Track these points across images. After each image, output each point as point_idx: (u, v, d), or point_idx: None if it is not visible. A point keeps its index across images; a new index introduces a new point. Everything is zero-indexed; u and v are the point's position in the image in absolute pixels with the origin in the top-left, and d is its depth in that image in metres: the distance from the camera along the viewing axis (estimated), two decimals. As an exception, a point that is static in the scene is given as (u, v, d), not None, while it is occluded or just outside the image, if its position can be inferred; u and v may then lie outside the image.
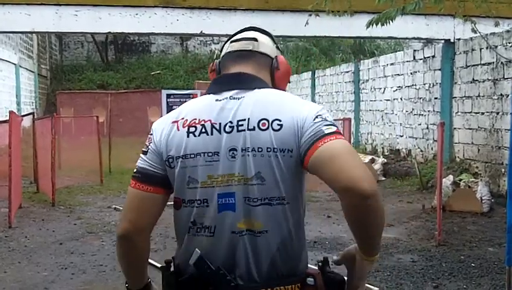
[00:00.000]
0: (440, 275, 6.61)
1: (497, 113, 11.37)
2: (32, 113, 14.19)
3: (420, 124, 14.85)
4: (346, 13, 8.54)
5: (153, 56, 36.71)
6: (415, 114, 15.10)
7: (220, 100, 2.19)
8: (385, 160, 14.85)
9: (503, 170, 10.99)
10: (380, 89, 17.24)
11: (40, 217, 9.84)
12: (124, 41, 36.62)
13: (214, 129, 2.14)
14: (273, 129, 2.10)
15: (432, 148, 14.15)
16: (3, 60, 20.73)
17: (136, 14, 11.98)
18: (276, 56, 2.36)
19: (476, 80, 12.18)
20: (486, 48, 11.70)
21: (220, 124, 2.14)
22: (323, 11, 8.67)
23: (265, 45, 2.35)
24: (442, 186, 8.56)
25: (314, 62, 30.07)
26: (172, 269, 2.28)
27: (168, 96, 11.13)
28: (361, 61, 19.81)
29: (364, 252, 2.20)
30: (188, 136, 2.14)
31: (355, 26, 11.40)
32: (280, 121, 2.10)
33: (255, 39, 2.34)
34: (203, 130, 2.14)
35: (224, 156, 2.11)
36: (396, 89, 16.11)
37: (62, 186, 12.53)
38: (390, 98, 16.57)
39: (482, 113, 11.92)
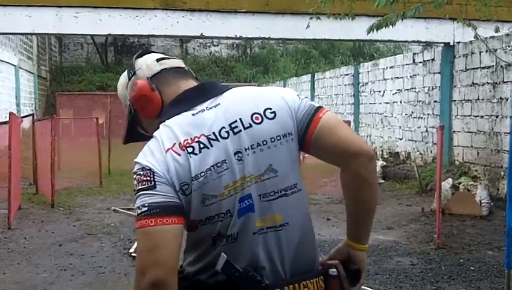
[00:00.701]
0: (439, 278, 6.61)
1: (497, 116, 11.38)
2: (32, 115, 14.19)
3: (419, 127, 14.86)
4: (348, 16, 8.54)
5: (152, 58, 36.70)
6: (414, 117, 15.11)
7: (197, 113, 2.14)
8: (384, 163, 14.86)
9: (502, 173, 11.00)
10: (380, 92, 17.24)
11: (40, 219, 9.84)
12: (124, 43, 36.66)
13: (211, 141, 2.08)
14: (268, 118, 2.11)
15: (431, 152, 14.16)
16: (3, 61, 20.73)
17: (136, 16, 11.99)
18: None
19: (476, 84, 12.19)
20: (486, 51, 11.71)
21: (213, 133, 2.09)
22: (324, 14, 8.68)
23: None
24: (442, 190, 8.57)
25: (314, 65, 30.12)
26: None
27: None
28: (361, 64, 19.83)
29: (358, 238, 2.29)
30: (190, 157, 2.05)
31: (355, 29, 11.42)
32: (271, 108, 2.13)
33: (178, 57, 2.44)
34: (201, 145, 2.07)
35: (232, 162, 2.08)
36: (396, 92, 16.12)
37: (61, 188, 12.53)
38: (389, 101, 16.57)
39: (482, 117, 11.93)
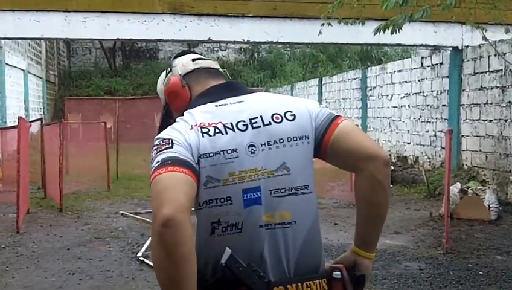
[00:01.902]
0: (447, 283, 6.59)
1: (505, 120, 11.35)
2: (41, 119, 14.23)
3: (428, 132, 14.83)
4: (358, 21, 8.52)
5: (160, 62, 36.78)
6: (422, 121, 15.08)
7: (220, 105, 2.25)
8: (392, 167, 14.82)
9: (511, 177, 10.97)
10: (388, 96, 17.22)
11: (48, 223, 9.86)
12: (132, 48, 36.75)
13: (227, 129, 2.17)
14: (288, 119, 2.22)
15: (439, 156, 14.13)
16: (12, 66, 20.79)
17: (145, 21, 12.01)
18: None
19: (484, 87, 12.16)
20: (495, 55, 11.68)
21: (231, 123, 2.18)
22: (334, 19, 8.67)
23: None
24: (450, 194, 8.54)
25: (322, 69, 30.11)
26: None
27: (176, 102, 11.10)
28: (369, 68, 19.81)
29: (366, 245, 2.32)
30: (203, 136, 2.14)
31: (362, 33, 11.39)
32: (292, 112, 2.24)
33: (214, 59, 2.57)
34: (217, 130, 2.16)
35: (244, 153, 2.15)
36: (404, 96, 16.10)
37: (70, 192, 12.56)
38: (397, 105, 16.56)
39: (490, 121, 11.90)
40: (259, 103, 2.25)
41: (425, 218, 10.11)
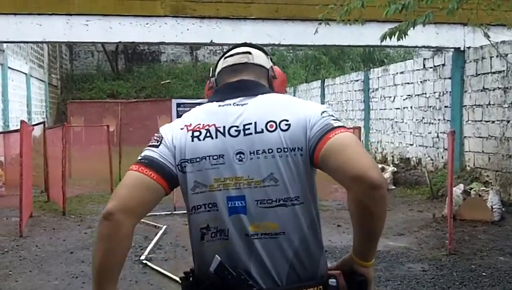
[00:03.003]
0: (451, 284, 6.58)
1: (508, 121, 11.34)
2: (43, 123, 14.26)
3: (430, 133, 14.82)
4: (358, 22, 8.53)
5: (162, 65, 36.81)
6: (425, 123, 15.07)
7: (222, 106, 2.23)
8: (395, 169, 14.83)
9: (514, 178, 10.95)
10: (390, 97, 17.21)
11: (51, 226, 9.87)
12: (134, 51, 36.75)
13: (218, 133, 2.16)
14: (282, 129, 2.14)
15: (442, 157, 14.11)
16: (14, 69, 20.82)
17: (147, 24, 12.03)
18: (271, 66, 2.41)
19: (486, 89, 12.15)
20: (497, 56, 11.67)
21: (224, 127, 2.17)
22: (333, 20, 8.68)
23: (259, 57, 2.40)
24: (453, 195, 8.54)
25: (324, 71, 30.09)
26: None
27: (178, 105, 11.15)
28: (371, 69, 19.80)
29: (362, 256, 2.22)
30: (192, 140, 2.16)
31: (365, 35, 11.42)
32: (287, 121, 2.15)
33: (249, 52, 2.38)
34: (208, 134, 2.16)
35: (231, 159, 2.13)
36: (406, 98, 16.09)
37: (73, 195, 12.58)
38: (400, 107, 16.55)
39: (493, 122, 11.89)
40: (259, 108, 2.20)
41: (429, 219, 10.10)
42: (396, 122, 16.83)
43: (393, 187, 14.06)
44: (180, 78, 34.59)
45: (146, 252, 7.89)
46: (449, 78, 13.71)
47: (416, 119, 15.53)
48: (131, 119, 23.81)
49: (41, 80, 27.43)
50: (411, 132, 15.92)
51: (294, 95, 26.80)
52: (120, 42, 14.26)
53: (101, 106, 24.35)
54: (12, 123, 18.82)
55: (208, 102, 2.30)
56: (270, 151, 2.12)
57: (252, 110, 2.19)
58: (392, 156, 17.03)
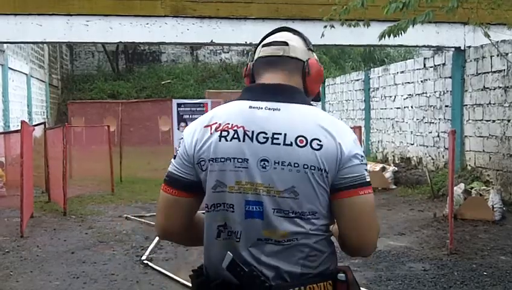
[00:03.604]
0: (452, 283, 6.58)
1: (508, 120, 11.34)
2: (44, 123, 14.26)
3: (431, 132, 14.82)
4: (363, 23, 8.52)
5: (163, 65, 36.78)
6: (425, 122, 15.06)
7: (254, 108, 2.19)
8: (396, 168, 14.82)
9: (514, 177, 10.95)
10: (391, 97, 17.21)
11: (52, 227, 9.87)
12: (135, 51, 36.72)
13: (246, 136, 2.14)
14: (312, 148, 2.11)
15: (443, 156, 14.11)
16: (15, 70, 20.82)
17: (147, 24, 12.03)
18: (307, 60, 2.32)
19: (487, 88, 12.15)
20: (497, 55, 11.67)
21: (252, 132, 2.14)
22: (337, 22, 8.66)
23: (297, 48, 2.31)
24: (454, 195, 8.54)
25: (324, 70, 30.03)
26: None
27: (179, 105, 11.15)
28: (372, 69, 19.80)
29: None
30: (219, 140, 2.15)
31: (365, 35, 11.40)
32: (320, 141, 2.12)
33: (286, 43, 2.31)
34: (235, 135, 2.15)
35: (254, 165, 2.12)
36: (407, 97, 16.08)
37: (73, 196, 12.58)
38: (400, 106, 16.54)
39: (493, 121, 11.89)
40: (291, 119, 2.16)
41: (429, 219, 10.10)
42: (397, 121, 16.82)
43: (394, 187, 14.06)
44: (181, 78, 34.56)
45: (147, 253, 7.89)
46: (449, 77, 13.71)
47: (417, 119, 15.53)
48: (132, 120, 23.85)
49: (42, 81, 27.41)
50: (412, 132, 15.92)
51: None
52: (120, 42, 14.28)
53: (101, 106, 24.39)
54: (12, 124, 18.81)
55: (239, 98, 2.28)
56: (296, 165, 2.10)
57: (283, 119, 2.16)
58: (393, 156, 17.02)
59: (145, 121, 24.93)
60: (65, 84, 34.35)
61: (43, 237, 9.13)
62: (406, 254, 7.87)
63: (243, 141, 2.14)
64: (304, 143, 2.11)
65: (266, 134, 2.13)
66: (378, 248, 2.26)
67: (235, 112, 2.21)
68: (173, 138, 11.58)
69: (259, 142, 2.13)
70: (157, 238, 8.71)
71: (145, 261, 7.49)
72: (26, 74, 22.96)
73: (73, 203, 11.90)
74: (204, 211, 2.26)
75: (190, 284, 6.74)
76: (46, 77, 28.47)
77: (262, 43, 2.38)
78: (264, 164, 2.11)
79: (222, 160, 2.14)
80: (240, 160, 2.13)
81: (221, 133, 2.16)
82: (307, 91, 2.32)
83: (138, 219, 10.39)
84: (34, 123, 18.71)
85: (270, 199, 2.12)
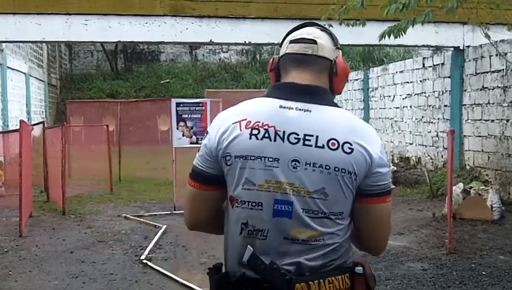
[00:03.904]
0: (451, 283, 6.58)
1: (507, 120, 11.34)
2: (43, 122, 14.26)
3: (430, 132, 14.82)
4: (359, 22, 8.52)
5: (162, 65, 36.76)
6: (424, 122, 15.07)
7: (285, 108, 2.20)
8: (395, 168, 14.82)
9: (513, 177, 10.95)
10: (390, 96, 17.22)
11: (51, 226, 9.87)
12: (134, 50, 36.71)
13: (277, 136, 2.15)
14: (344, 151, 2.13)
15: (441, 156, 14.11)
16: (14, 69, 20.81)
17: (146, 23, 12.02)
18: (335, 60, 2.33)
19: (486, 88, 12.15)
20: (496, 55, 11.68)
21: (284, 132, 2.15)
22: (335, 21, 8.66)
23: (325, 47, 2.31)
24: (453, 194, 8.54)
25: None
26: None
27: (178, 104, 11.09)
28: (371, 69, 19.80)
29: None
30: (250, 138, 2.16)
31: (364, 34, 11.39)
32: (351, 145, 2.14)
33: (315, 41, 2.29)
34: (266, 134, 2.15)
35: (285, 165, 2.13)
36: (406, 97, 16.09)
37: (72, 195, 12.57)
38: (399, 106, 16.55)
39: (492, 121, 11.89)
40: (323, 121, 2.17)
41: (428, 218, 10.11)
42: (395, 121, 16.83)
43: (393, 186, 14.04)
44: (180, 77, 34.55)
45: (146, 252, 7.89)
46: (448, 77, 13.71)
47: (416, 118, 15.54)
48: (131, 119, 23.81)
49: (41, 80, 27.40)
50: (411, 131, 15.92)
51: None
52: (119, 42, 14.25)
53: (100, 105, 24.33)
54: (11, 123, 18.80)
55: (268, 96, 2.27)
56: (328, 167, 2.12)
57: (314, 121, 2.17)
58: (392, 155, 17.02)
59: (144, 121, 24.92)
60: (64, 83, 34.34)
61: (42, 237, 9.13)
62: (405, 253, 7.87)
63: (274, 140, 2.15)
64: (336, 146, 2.13)
65: (298, 135, 2.15)
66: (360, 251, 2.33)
67: (265, 110, 2.21)
68: (172, 138, 11.53)
69: (290, 142, 2.14)
70: (156, 238, 8.72)
71: (144, 261, 7.49)
72: (25, 73, 22.95)
73: (72, 202, 11.90)
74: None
75: (189, 284, 6.74)
76: (44, 76, 28.45)
77: (290, 38, 2.36)
78: (295, 164, 2.13)
79: (252, 158, 2.15)
80: (270, 159, 2.14)
81: (251, 131, 2.16)
82: (333, 90, 2.33)
83: (137, 219, 10.39)
84: (32, 122, 18.70)
85: (300, 199, 2.14)
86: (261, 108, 2.23)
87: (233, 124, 2.20)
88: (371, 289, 2.26)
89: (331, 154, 2.12)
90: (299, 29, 2.39)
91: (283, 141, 2.14)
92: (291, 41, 2.34)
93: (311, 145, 2.13)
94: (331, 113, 2.21)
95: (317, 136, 2.14)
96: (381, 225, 2.29)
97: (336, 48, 2.37)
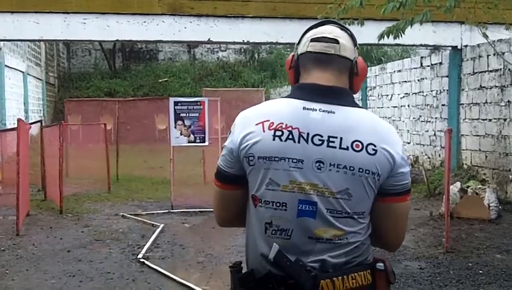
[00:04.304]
0: (448, 282, 6.59)
1: (505, 119, 11.35)
2: (40, 121, 14.23)
3: (427, 131, 14.84)
4: (357, 22, 8.52)
5: (160, 63, 36.79)
6: (422, 121, 15.08)
7: (308, 109, 2.20)
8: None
9: (510, 176, 10.97)
10: (388, 96, 17.23)
11: (48, 225, 9.86)
12: (132, 49, 36.73)
13: (301, 138, 2.16)
14: (368, 153, 2.16)
15: (439, 155, 14.13)
16: (12, 67, 20.80)
17: (144, 22, 12.02)
18: (356, 60, 2.32)
19: (483, 87, 12.16)
20: (494, 54, 11.69)
21: (308, 134, 2.16)
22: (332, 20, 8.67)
23: (346, 47, 2.30)
24: (450, 193, 8.55)
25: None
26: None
27: (176, 103, 11.09)
28: (369, 68, 19.80)
29: None
30: (273, 139, 2.17)
31: (362, 33, 11.31)
32: (375, 146, 2.17)
33: (337, 41, 2.28)
34: (290, 136, 2.16)
35: (310, 166, 2.15)
36: (404, 96, 16.10)
37: (70, 194, 12.56)
38: (397, 105, 16.56)
39: (490, 120, 11.91)
40: (347, 123, 2.18)
41: (426, 217, 10.11)
42: (393, 120, 16.84)
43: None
44: (178, 76, 34.57)
45: (143, 251, 7.89)
46: (446, 76, 13.72)
47: (414, 118, 15.55)
48: (129, 118, 23.81)
49: (39, 78, 27.40)
50: (408, 130, 15.94)
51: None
52: (117, 40, 14.25)
53: (98, 104, 24.30)
54: (9, 121, 18.79)
55: (290, 96, 2.28)
56: (352, 169, 2.15)
57: (338, 123, 2.18)
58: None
59: (142, 119, 24.92)
60: (62, 82, 34.34)
61: (39, 235, 9.12)
62: (402, 252, 7.87)
63: (298, 142, 2.16)
64: (360, 148, 2.16)
65: (322, 137, 2.16)
66: (373, 247, 2.38)
67: (288, 111, 2.22)
68: (170, 136, 11.53)
69: (314, 144, 2.16)
70: (153, 237, 8.72)
71: (142, 260, 7.48)
72: (22, 71, 22.95)
73: (69, 201, 11.88)
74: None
75: (186, 282, 6.74)
76: (42, 74, 28.46)
77: (310, 36, 2.33)
78: (319, 165, 2.15)
79: (276, 159, 2.16)
80: (294, 160, 2.15)
81: (274, 132, 2.17)
82: (352, 90, 2.34)
83: (134, 217, 10.39)
84: (30, 121, 18.70)
85: (324, 200, 2.16)
86: (284, 109, 2.23)
87: (256, 125, 2.21)
88: (391, 284, 2.30)
89: (356, 155, 2.15)
90: (318, 27, 2.37)
91: (307, 143, 2.16)
92: (313, 40, 2.30)
93: (335, 147, 2.15)
94: (354, 115, 2.22)
95: (341, 138, 2.16)
96: (400, 222, 2.35)
97: (355, 48, 2.36)
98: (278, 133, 2.17)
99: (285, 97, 2.29)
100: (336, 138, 2.16)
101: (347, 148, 2.15)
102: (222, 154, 2.31)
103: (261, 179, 2.20)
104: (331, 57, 2.27)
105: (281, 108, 2.24)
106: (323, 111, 2.19)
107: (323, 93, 2.23)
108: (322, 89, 2.24)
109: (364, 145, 2.16)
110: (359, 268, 2.24)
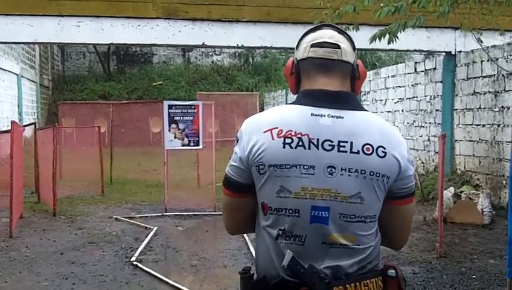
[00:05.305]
0: (441, 287, 6.60)
1: (498, 125, 11.38)
2: (34, 124, 14.22)
3: (421, 136, 14.86)
4: (352, 27, 8.53)
5: (154, 67, 36.80)
6: (416, 126, 15.11)
7: (316, 115, 2.20)
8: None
9: (504, 182, 10.99)
10: (381, 100, 17.25)
11: (41, 227, 9.84)
12: (126, 52, 36.73)
13: (311, 144, 2.15)
14: (378, 155, 2.17)
15: (433, 160, 14.15)
16: (5, 70, 20.77)
17: (138, 26, 12.01)
18: (357, 63, 2.34)
19: (477, 92, 12.19)
20: (487, 60, 11.72)
21: (317, 140, 2.16)
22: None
23: (347, 51, 2.30)
24: (444, 198, 8.56)
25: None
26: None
27: (170, 107, 11.09)
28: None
29: None
30: (283, 147, 2.16)
31: (356, 38, 11.26)
32: (384, 149, 2.19)
33: (338, 46, 2.28)
34: (300, 143, 2.15)
35: (321, 172, 2.15)
36: (398, 101, 16.12)
37: (63, 197, 12.54)
38: (391, 110, 16.58)
39: (483, 126, 11.93)
40: (356, 127, 2.19)
41: (419, 222, 10.12)
42: (387, 125, 16.83)
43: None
44: (172, 79, 34.58)
45: (137, 254, 7.88)
46: (440, 81, 13.75)
47: (408, 123, 15.57)
48: (123, 121, 23.78)
49: (33, 81, 27.37)
50: (402, 135, 15.92)
51: (286, 99, 26.82)
52: (112, 44, 14.26)
53: (92, 107, 24.31)
54: (2, 124, 18.77)
55: (297, 103, 2.26)
56: (363, 172, 2.15)
57: (347, 127, 2.18)
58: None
59: (136, 122, 24.91)
60: (56, 84, 34.30)
61: (32, 238, 9.10)
62: (396, 257, 7.87)
63: (309, 148, 2.15)
64: (371, 151, 2.17)
65: (332, 142, 2.16)
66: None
67: (297, 118, 2.20)
68: (164, 140, 11.53)
69: (325, 149, 2.15)
70: (147, 240, 8.71)
71: (135, 263, 7.48)
72: (16, 74, 22.92)
73: (63, 204, 11.87)
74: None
75: (179, 286, 6.73)
76: (37, 77, 28.41)
77: (310, 41, 2.32)
78: (331, 170, 2.15)
79: (287, 167, 2.15)
80: (305, 167, 2.15)
81: (284, 140, 2.16)
82: (354, 93, 2.36)
83: (128, 220, 10.38)
84: (24, 123, 18.65)
85: (337, 204, 2.16)
86: (292, 116, 2.22)
87: (264, 132, 2.19)
88: None
89: (367, 159, 2.16)
90: (315, 31, 2.36)
91: (318, 149, 2.15)
92: (313, 45, 2.30)
93: (346, 151, 2.15)
94: (362, 118, 2.23)
95: (351, 142, 2.16)
96: (407, 223, 2.39)
97: (354, 51, 2.37)
98: (288, 140, 2.16)
99: (291, 104, 2.28)
100: (346, 142, 2.16)
101: (358, 152, 2.15)
102: (230, 163, 2.30)
103: (272, 186, 2.19)
104: (334, 62, 2.27)
105: (288, 115, 2.23)
106: (332, 116, 2.19)
107: (331, 99, 2.23)
108: (329, 94, 2.24)
109: (375, 148, 2.17)
110: (371, 275, 2.24)
